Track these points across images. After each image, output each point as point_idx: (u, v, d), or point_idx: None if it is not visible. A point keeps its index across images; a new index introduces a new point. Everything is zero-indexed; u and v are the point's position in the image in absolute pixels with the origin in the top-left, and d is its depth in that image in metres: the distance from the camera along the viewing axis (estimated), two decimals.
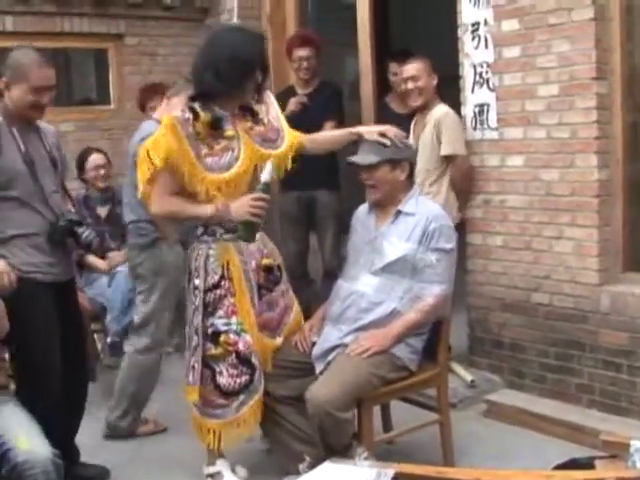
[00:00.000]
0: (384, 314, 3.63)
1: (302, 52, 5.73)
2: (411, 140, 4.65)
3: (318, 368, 3.62)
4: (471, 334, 5.08)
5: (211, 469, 3.85)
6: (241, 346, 3.62)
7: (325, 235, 5.81)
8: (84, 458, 4.01)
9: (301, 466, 3.33)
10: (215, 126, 3.57)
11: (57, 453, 3.03)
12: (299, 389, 3.62)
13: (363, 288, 3.68)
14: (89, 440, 4.17)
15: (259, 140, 3.68)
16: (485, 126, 4.80)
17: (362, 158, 3.74)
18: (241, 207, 3.50)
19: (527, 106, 4.57)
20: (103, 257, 5.54)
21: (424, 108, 4.89)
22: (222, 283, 3.63)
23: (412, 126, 4.99)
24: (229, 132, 3.59)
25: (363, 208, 3.95)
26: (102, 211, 5.73)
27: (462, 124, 4.88)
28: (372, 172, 3.71)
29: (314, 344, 3.74)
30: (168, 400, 4.78)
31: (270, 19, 6.82)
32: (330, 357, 3.61)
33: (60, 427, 3.60)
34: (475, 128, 4.86)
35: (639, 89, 4.40)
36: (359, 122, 5.51)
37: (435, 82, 4.92)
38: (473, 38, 4.80)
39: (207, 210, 3.55)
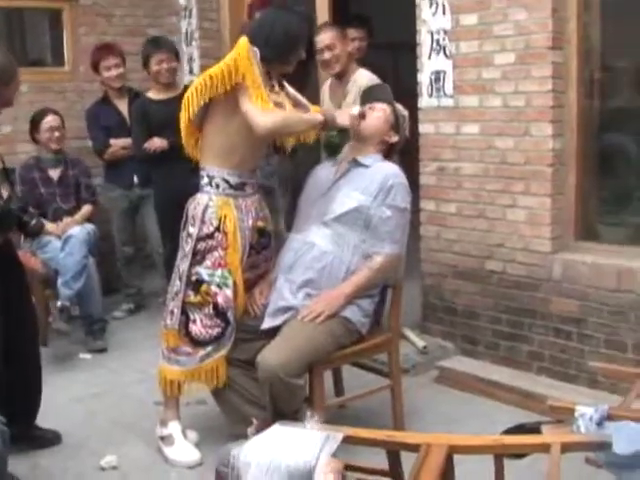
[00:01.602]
0: (333, 266, 3.63)
1: None
2: (327, 106, 4.69)
3: (267, 324, 3.63)
4: (424, 301, 5.11)
5: (164, 431, 3.87)
6: (220, 299, 3.66)
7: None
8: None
9: (249, 429, 3.34)
10: (270, 76, 3.68)
11: (2, 420, 3.04)
12: (249, 352, 3.63)
13: (314, 239, 3.69)
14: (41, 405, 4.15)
15: None
16: (441, 93, 4.79)
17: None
18: (345, 113, 3.78)
19: (483, 74, 4.57)
20: (55, 220, 5.51)
21: (342, 75, 4.91)
22: (216, 235, 3.67)
23: (325, 92, 5.03)
24: (277, 89, 3.74)
25: (323, 165, 4.00)
26: (54, 173, 5.69)
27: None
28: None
29: (265, 308, 3.74)
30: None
31: None
32: (281, 319, 3.61)
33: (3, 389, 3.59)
34: (431, 95, 4.85)
35: (594, 59, 4.43)
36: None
37: (350, 48, 5.02)
38: (431, 5, 4.78)
39: (317, 117, 3.69)
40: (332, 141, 3.60)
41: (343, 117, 3.74)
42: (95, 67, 6.16)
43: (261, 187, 4.04)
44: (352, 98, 4.77)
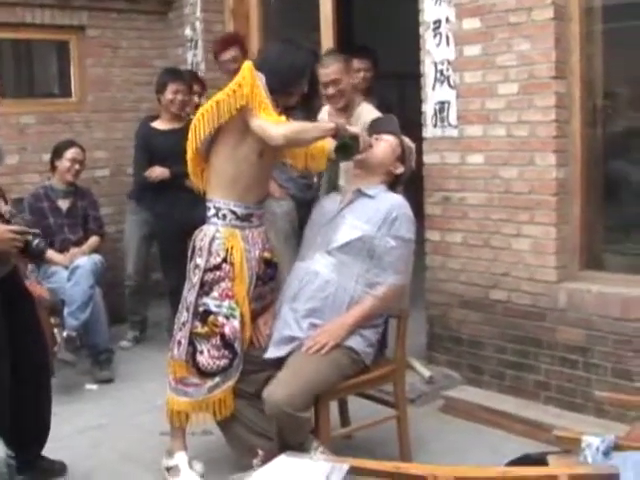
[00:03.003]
0: (337, 295, 3.63)
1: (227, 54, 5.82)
2: None
3: (272, 353, 3.64)
4: (430, 330, 5.11)
5: (170, 462, 3.87)
6: (227, 330, 3.66)
7: None
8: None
9: (255, 460, 3.33)
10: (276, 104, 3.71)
11: (10, 454, 3.04)
12: (254, 384, 3.64)
13: (318, 267, 3.69)
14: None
15: None
16: (445, 123, 4.82)
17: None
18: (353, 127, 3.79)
19: (487, 104, 4.60)
20: (62, 250, 5.53)
21: (345, 108, 4.84)
22: (223, 266, 3.68)
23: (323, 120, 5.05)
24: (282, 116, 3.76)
25: (330, 196, 4.04)
26: (63, 204, 5.71)
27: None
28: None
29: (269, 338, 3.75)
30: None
31: (233, 12, 6.83)
32: (286, 350, 3.61)
33: (11, 420, 3.58)
34: (435, 125, 4.88)
35: (597, 89, 4.46)
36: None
37: (355, 79, 5.02)
38: (435, 36, 4.83)
39: (329, 124, 3.75)
40: (346, 143, 3.61)
41: (353, 127, 3.79)
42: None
43: (296, 199, 4.06)
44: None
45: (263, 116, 3.53)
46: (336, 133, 3.63)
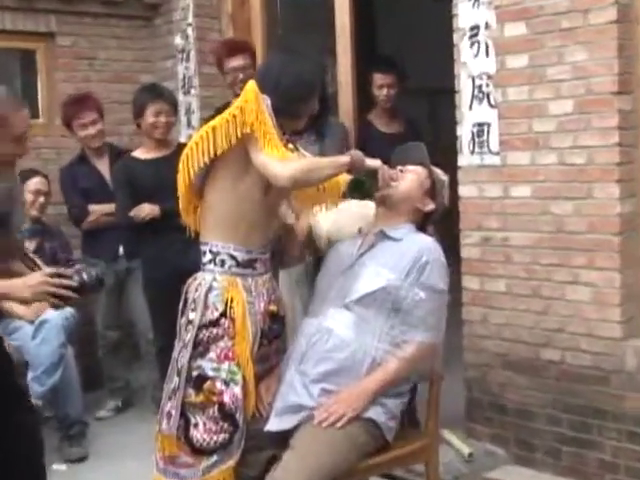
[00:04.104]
0: (356, 357, 3.59)
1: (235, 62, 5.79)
2: None
3: (275, 425, 3.59)
4: (468, 397, 5.07)
5: None
6: (227, 398, 3.60)
7: None
8: None
9: None
10: (283, 131, 3.70)
11: None
12: (255, 466, 3.62)
13: (332, 324, 3.66)
14: None
15: None
16: (485, 150, 4.81)
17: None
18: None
19: (535, 126, 4.59)
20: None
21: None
22: (221, 321, 3.64)
23: None
24: (290, 147, 3.76)
25: (347, 240, 4.01)
26: (29, 245, 5.71)
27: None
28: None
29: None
30: None
31: (232, 18, 6.86)
32: (292, 422, 3.56)
33: None
34: (473, 152, 4.87)
35: None
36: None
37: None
38: (472, 45, 4.83)
39: (343, 158, 3.65)
40: (361, 180, 3.59)
41: (372, 159, 3.75)
42: (68, 124, 6.19)
43: None
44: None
45: (267, 150, 3.49)
46: (352, 167, 3.62)
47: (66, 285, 3.52)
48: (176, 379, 3.70)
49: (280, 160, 3.47)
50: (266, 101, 3.58)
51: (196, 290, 3.70)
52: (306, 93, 3.71)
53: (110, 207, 5.95)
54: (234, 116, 3.51)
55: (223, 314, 3.64)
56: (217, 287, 3.67)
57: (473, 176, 4.90)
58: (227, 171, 3.63)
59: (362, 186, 3.63)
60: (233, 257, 3.68)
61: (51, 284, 3.49)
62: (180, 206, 3.81)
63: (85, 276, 3.59)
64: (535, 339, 4.69)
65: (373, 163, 3.71)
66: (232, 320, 3.64)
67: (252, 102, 3.52)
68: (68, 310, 5.48)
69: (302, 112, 3.75)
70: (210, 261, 3.71)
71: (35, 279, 3.51)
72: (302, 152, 3.88)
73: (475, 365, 5.01)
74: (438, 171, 3.94)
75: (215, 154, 3.56)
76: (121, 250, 6.10)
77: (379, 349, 3.60)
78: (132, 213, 5.60)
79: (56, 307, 3.78)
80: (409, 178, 3.82)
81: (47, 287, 3.49)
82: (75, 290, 3.55)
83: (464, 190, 4.96)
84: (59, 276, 3.54)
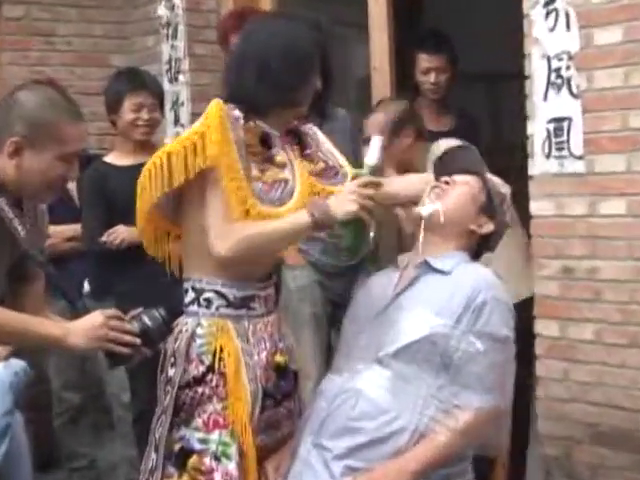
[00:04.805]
0: (392, 427, 3.56)
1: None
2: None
3: None
4: (546, 479, 5.03)
5: None
6: (218, 477, 3.60)
7: None
8: None
9: None
10: (267, 144, 3.75)
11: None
12: None
13: (361, 384, 3.63)
14: None
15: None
16: (565, 153, 4.79)
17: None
18: (343, 199, 3.56)
19: (632, 121, 4.58)
20: None
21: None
22: (208, 378, 3.64)
23: None
24: (280, 158, 3.76)
25: (381, 273, 4.04)
26: None
27: None
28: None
29: None
30: None
31: None
32: None
33: None
34: (549, 156, 4.86)
35: None
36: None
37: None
38: (547, 15, 4.82)
39: (301, 220, 3.58)
40: (348, 249, 3.61)
41: (343, 206, 3.54)
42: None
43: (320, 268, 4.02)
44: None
45: (223, 201, 3.53)
46: (317, 227, 3.58)
47: (128, 330, 3.56)
48: (154, 455, 3.72)
49: (221, 229, 3.53)
50: (237, 121, 3.62)
51: (175, 340, 3.71)
52: (303, 70, 3.70)
53: (75, 229, 5.96)
54: (193, 144, 3.54)
55: (210, 368, 3.65)
56: (202, 334, 3.68)
57: (549, 188, 4.89)
58: (199, 197, 3.65)
59: (345, 247, 3.64)
60: (222, 295, 3.70)
61: (111, 327, 3.53)
62: (139, 234, 3.89)
63: (147, 320, 3.62)
64: (635, 404, 4.65)
65: (344, 211, 3.54)
66: (222, 376, 3.64)
67: (215, 129, 3.54)
68: (18, 364, 5.48)
69: (301, 96, 3.76)
70: (193, 301, 3.73)
71: (91, 321, 3.56)
72: (322, 146, 3.95)
73: (554, 439, 4.98)
74: (496, 181, 3.92)
75: (171, 187, 3.61)
76: (86, 286, 6.08)
77: (423, 417, 3.56)
78: (104, 238, 5.60)
79: (114, 364, 3.73)
80: (458, 192, 3.80)
81: (107, 331, 3.52)
82: (138, 337, 3.58)
83: (537, 207, 4.95)
84: (120, 319, 3.59)
